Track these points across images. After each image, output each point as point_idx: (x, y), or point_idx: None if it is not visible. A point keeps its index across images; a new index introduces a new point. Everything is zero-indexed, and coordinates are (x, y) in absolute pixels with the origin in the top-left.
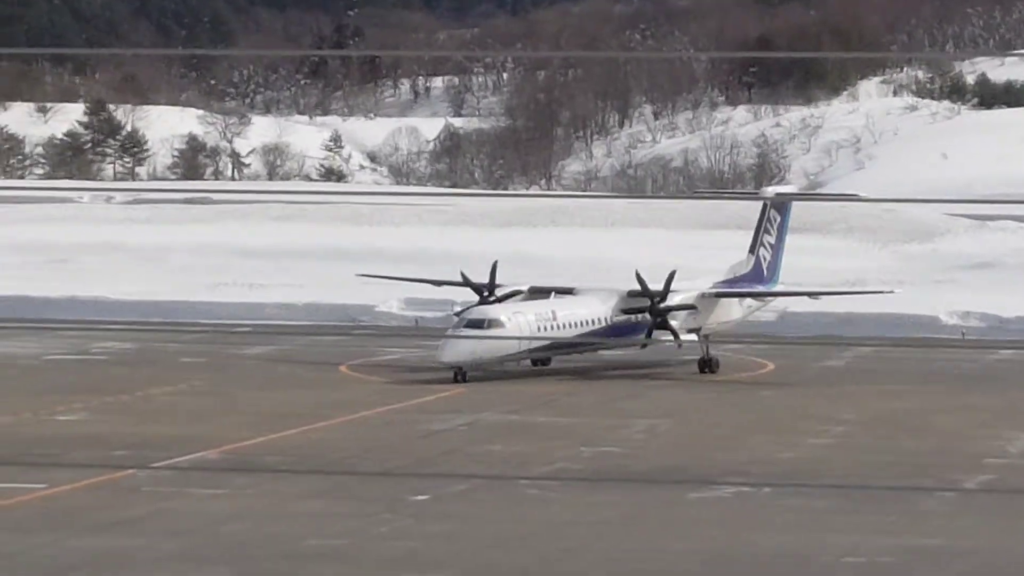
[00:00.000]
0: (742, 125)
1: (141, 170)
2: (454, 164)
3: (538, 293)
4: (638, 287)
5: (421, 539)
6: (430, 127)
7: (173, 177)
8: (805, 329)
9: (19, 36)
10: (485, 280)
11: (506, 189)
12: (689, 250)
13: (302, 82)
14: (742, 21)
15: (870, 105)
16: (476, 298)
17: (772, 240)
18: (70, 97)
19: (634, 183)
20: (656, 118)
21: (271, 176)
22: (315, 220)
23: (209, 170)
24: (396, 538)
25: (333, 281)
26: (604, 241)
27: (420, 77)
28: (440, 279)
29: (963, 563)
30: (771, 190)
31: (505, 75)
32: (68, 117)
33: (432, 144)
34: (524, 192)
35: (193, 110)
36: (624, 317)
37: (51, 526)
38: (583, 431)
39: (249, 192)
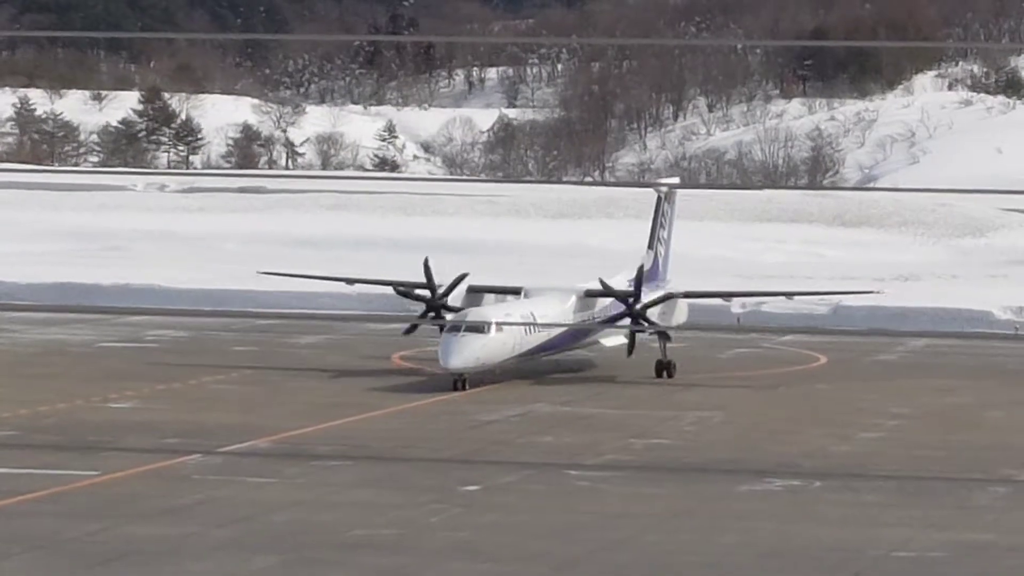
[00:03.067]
0: (796, 118)
1: (195, 158)
2: (508, 155)
3: (476, 293)
4: (595, 286)
5: (471, 529)
6: (484, 118)
7: (227, 166)
8: (858, 323)
9: (75, 24)
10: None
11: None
12: (749, 242)
13: (357, 72)
14: (797, 14)
15: (925, 99)
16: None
17: (665, 235)
18: (125, 85)
19: (688, 175)
20: (710, 111)
21: (325, 166)
22: (368, 210)
23: (263, 159)
24: (446, 528)
25: (386, 271)
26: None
27: (474, 68)
28: (354, 278)
29: (1015, 558)
30: (664, 182)
31: (560, 66)
32: (123, 105)
33: (486, 135)
34: (571, 180)
35: (248, 99)
36: (580, 317)
37: (102, 513)
38: (635, 423)
39: (303, 179)
